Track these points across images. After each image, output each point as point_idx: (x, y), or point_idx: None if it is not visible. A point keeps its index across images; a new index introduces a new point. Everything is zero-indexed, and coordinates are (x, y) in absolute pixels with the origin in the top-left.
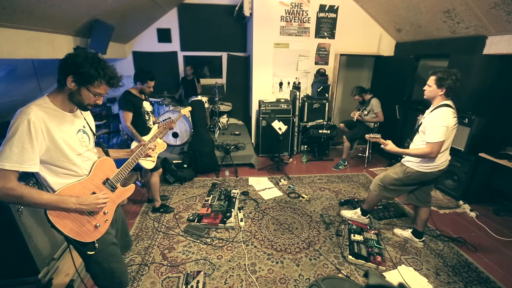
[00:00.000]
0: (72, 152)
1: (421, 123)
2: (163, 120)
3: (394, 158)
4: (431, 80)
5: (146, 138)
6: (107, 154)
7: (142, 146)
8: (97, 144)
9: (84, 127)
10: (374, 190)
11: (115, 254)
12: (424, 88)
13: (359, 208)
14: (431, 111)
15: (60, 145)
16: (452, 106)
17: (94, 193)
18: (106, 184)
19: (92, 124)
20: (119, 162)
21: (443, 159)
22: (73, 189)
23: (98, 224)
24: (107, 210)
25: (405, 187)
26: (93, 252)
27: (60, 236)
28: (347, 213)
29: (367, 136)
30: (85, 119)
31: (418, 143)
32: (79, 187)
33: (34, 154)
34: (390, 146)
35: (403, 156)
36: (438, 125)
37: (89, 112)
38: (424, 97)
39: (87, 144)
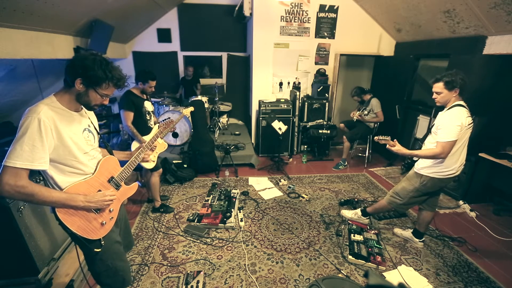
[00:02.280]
0: (79, 151)
1: (433, 125)
2: (163, 120)
3: (394, 158)
4: (439, 86)
5: (146, 138)
6: (111, 153)
7: (143, 147)
8: (101, 144)
9: (89, 126)
10: (389, 203)
11: (119, 252)
12: (434, 97)
13: (359, 209)
14: (445, 112)
15: (68, 144)
16: (466, 106)
17: (100, 191)
18: (111, 182)
19: (96, 123)
20: (120, 162)
21: (458, 163)
22: (79, 187)
23: (104, 222)
24: (113, 208)
25: (422, 196)
26: (100, 250)
27: (60, 236)
28: (347, 213)
29: (375, 138)
30: (89, 118)
31: (430, 145)
32: (86, 185)
33: (45, 152)
34: (397, 147)
35: (409, 160)
36: (451, 124)
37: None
38: (437, 104)
39: (92, 143)
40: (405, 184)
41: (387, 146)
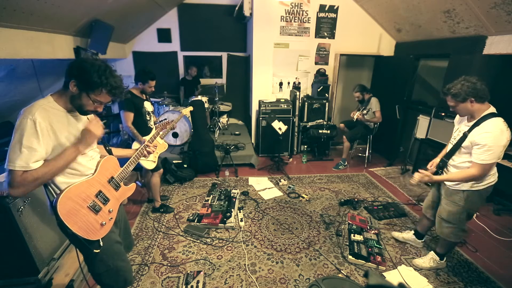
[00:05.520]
0: None
1: (461, 139)
2: (160, 121)
3: (394, 158)
4: (450, 100)
5: (146, 138)
6: (110, 153)
7: (143, 145)
8: (99, 142)
9: None
10: (449, 237)
11: (120, 252)
12: (451, 109)
13: (432, 253)
14: (474, 124)
15: (65, 145)
16: (497, 114)
17: (100, 191)
18: (111, 183)
19: None
20: (121, 162)
21: (493, 171)
22: (79, 188)
23: (104, 222)
24: (112, 208)
25: (471, 214)
26: (99, 250)
27: (60, 236)
28: (423, 263)
29: (415, 177)
30: (88, 118)
31: (460, 164)
32: (86, 185)
33: (42, 153)
34: (427, 178)
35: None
36: (495, 145)
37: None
38: (462, 117)
39: None
40: (449, 208)
41: (416, 175)
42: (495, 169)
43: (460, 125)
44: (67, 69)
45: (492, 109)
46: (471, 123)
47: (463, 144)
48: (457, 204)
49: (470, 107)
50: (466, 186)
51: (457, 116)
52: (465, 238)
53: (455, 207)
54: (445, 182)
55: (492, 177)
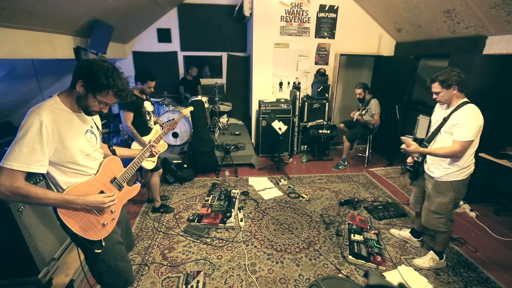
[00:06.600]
0: (81, 153)
1: (440, 125)
2: (167, 121)
3: (394, 158)
4: (436, 87)
5: (146, 138)
6: (113, 153)
7: (148, 146)
8: (103, 141)
9: (92, 127)
10: (438, 227)
11: (121, 252)
12: (434, 97)
13: (431, 252)
14: (453, 110)
15: (69, 146)
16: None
17: (102, 191)
18: (114, 183)
19: (99, 123)
20: (124, 162)
21: (473, 160)
22: (81, 188)
23: (105, 223)
24: (114, 209)
25: (457, 203)
26: (100, 251)
27: (60, 236)
28: (423, 263)
29: (402, 138)
30: (92, 119)
31: (440, 145)
32: (87, 185)
33: (43, 155)
34: (414, 146)
35: (415, 165)
36: (472, 123)
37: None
38: (440, 104)
39: (94, 144)
40: (439, 199)
41: (402, 146)
42: (473, 159)
43: (438, 116)
44: (75, 69)
45: (466, 99)
46: (449, 110)
47: (442, 129)
48: (446, 194)
49: (452, 94)
50: (453, 177)
51: (433, 113)
52: (453, 229)
53: (445, 197)
54: (432, 176)
55: (472, 166)
